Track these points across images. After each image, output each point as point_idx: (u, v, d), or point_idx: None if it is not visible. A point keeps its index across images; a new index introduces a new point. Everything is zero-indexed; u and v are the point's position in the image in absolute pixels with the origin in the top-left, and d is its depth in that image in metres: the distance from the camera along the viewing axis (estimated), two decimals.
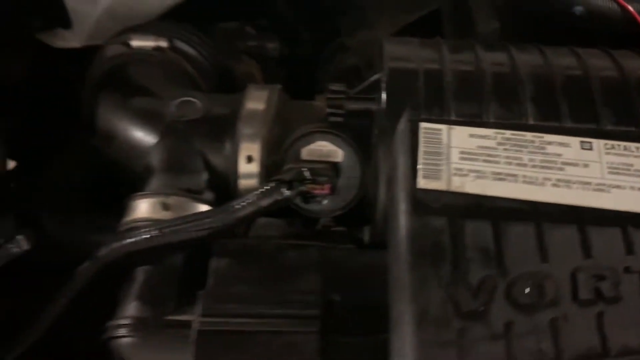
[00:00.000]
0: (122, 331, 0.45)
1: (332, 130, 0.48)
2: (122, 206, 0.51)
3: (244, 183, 0.50)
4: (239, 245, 0.46)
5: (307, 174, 0.44)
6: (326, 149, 0.49)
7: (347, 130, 0.49)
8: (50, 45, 0.74)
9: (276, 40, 0.82)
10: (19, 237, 0.47)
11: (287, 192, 0.43)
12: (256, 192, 0.44)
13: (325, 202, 0.49)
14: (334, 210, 0.50)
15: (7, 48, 0.67)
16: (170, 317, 0.44)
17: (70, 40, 0.76)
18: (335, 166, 0.48)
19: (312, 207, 0.49)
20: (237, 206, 0.43)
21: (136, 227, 0.46)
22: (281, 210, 0.48)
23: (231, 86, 0.66)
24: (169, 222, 0.43)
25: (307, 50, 0.91)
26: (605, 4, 0.61)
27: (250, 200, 0.43)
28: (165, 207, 0.47)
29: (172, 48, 0.61)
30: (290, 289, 0.42)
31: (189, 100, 0.52)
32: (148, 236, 0.43)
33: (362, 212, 0.51)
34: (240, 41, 0.77)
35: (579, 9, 0.60)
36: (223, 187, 0.51)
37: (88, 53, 0.69)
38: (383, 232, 0.45)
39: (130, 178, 0.54)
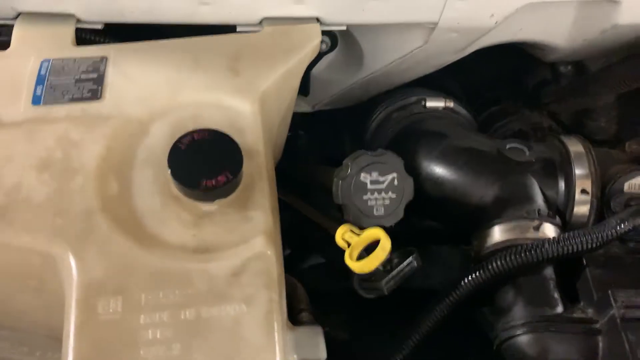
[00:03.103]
0: (520, 330, 0.55)
1: None
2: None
3: (578, 211, 0.62)
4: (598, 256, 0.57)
5: None
6: None
7: None
8: None
9: None
10: (414, 255, 0.57)
11: None
12: (629, 212, 0.55)
13: None
14: None
15: None
16: (565, 315, 0.54)
17: (302, 106, 0.89)
18: None
19: None
20: (618, 222, 0.55)
21: (520, 244, 0.56)
22: None
23: None
24: (567, 235, 0.54)
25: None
26: None
27: (626, 218, 0.55)
28: (536, 228, 0.58)
29: (452, 108, 0.75)
30: None
31: (516, 147, 0.64)
32: (557, 247, 0.54)
33: None
34: None
35: None
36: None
37: None
38: None
39: (461, 212, 0.65)
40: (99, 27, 0.64)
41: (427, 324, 0.58)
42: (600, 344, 0.53)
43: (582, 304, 0.56)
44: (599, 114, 0.90)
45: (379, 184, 0.55)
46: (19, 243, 0.50)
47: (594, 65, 0.90)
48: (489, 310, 0.61)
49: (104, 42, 0.64)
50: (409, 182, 0.57)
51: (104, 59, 0.60)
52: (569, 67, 0.90)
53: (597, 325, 0.53)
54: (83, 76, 0.59)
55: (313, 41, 0.64)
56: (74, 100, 0.57)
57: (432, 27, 0.69)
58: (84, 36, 0.64)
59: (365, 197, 0.55)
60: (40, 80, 0.58)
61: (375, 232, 0.53)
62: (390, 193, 0.55)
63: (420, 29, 0.70)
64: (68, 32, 0.62)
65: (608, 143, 0.84)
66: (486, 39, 0.76)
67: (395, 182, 0.56)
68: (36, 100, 0.57)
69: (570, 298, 0.57)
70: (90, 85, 0.58)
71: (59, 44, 0.62)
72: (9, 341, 0.56)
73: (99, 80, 0.58)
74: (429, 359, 0.66)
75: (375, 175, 0.55)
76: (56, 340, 0.52)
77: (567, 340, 0.54)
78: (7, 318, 0.55)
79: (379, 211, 0.55)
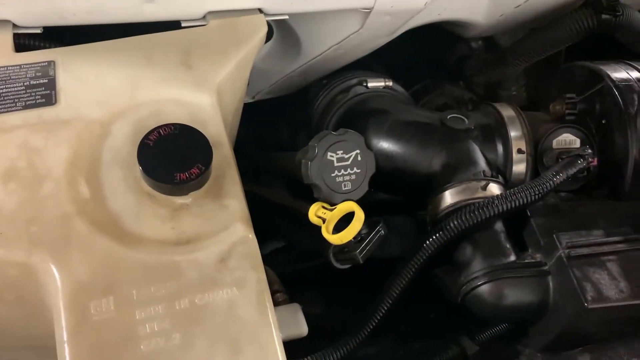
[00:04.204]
0: (481, 280, 0.60)
1: (573, 125, 0.69)
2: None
3: (516, 169, 0.68)
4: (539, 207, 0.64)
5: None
6: (568, 139, 0.69)
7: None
8: None
9: None
10: (381, 225, 0.61)
11: (583, 163, 0.62)
12: (562, 164, 0.62)
13: None
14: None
15: None
16: (518, 261, 0.60)
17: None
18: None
19: None
20: (555, 174, 0.61)
21: (473, 203, 0.62)
22: None
23: None
24: (513, 191, 0.60)
25: None
26: None
27: (560, 170, 0.62)
28: (483, 188, 0.64)
29: (391, 87, 0.80)
30: None
31: (456, 116, 0.70)
32: (506, 202, 0.59)
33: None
34: None
35: None
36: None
37: None
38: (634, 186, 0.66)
39: (413, 182, 0.69)
40: (38, 31, 0.62)
41: (397, 287, 0.62)
42: (551, 283, 0.59)
43: (530, 250, 0.62)
44: (510, 84, 0.98)
45: (344, 161, 0.59)
46: None
47: (501, 40, 0.98)
48: (443, 271, 0.66)
49: (45, 47, 0.63)
50: (371, 156, 0.60)
51: (51, 63, 0.59)
52: (480, 42, 0.98)
53: (546, 267, 0.60)
54: (33, 82, 0.57)
55: (260, 32, 0.66)
56: (27, 107, 0.55)
57: (367, 11, 0.72)
58: (22, 42, 0.62)
59: (333, 175, 0.58)
60: None
61: (348, 205, 0.56)
62: (355, 169, 0.59)
63: (356, 14, 0.74)
64: (6, 39, 0.60)
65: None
66: (415, 20, 0.81)
67: (359, 158, 0.59)
68: None
69: (519, 247, 0.64)
70: (42, 91, 0.57)
71: None
72: None
73: (51, 85, 0.57)
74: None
75: (340, 153, 0.58)
76: (39, 349, 0.51)
77: (521, 283, 0.60)
78: None
79: (347, 186, 0.59)
